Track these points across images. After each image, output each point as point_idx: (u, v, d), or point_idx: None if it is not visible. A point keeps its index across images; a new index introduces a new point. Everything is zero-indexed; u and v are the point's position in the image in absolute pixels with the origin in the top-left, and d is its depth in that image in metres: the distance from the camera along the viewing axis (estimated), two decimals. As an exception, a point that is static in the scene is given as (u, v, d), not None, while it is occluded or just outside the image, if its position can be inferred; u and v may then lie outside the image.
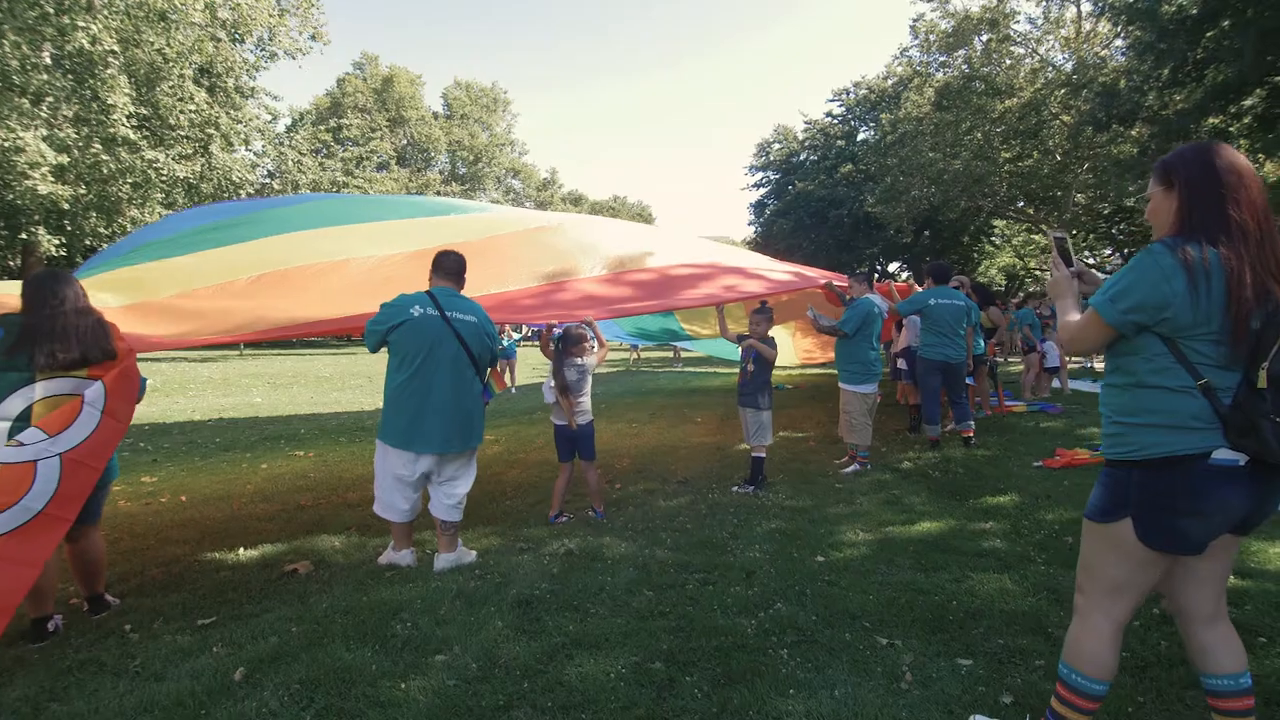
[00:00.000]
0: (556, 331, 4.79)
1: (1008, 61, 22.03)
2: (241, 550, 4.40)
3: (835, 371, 6.32)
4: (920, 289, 7.54)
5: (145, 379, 3.36)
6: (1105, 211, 23.10)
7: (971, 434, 6.64)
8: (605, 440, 8.09)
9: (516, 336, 15.58)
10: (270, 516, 5.28)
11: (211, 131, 22.34)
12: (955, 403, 6.75)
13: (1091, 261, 32.04)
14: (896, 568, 3.68)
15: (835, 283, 6.51)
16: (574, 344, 4.75)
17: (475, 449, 4.11)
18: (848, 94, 38.92)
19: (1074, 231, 24.13)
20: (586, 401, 4.85)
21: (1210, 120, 11.90)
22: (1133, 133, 14.28)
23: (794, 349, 10.97)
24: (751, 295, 6.20)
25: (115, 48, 18.42)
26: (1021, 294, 28.30)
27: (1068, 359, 12.46)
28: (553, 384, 4.75)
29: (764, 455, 5.58)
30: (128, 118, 19.32)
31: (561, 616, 3.17)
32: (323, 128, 42.07)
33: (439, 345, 3.75)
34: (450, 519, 4.01)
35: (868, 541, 4.15)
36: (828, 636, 2.90)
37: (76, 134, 18.74)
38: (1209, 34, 11.44)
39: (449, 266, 3.94)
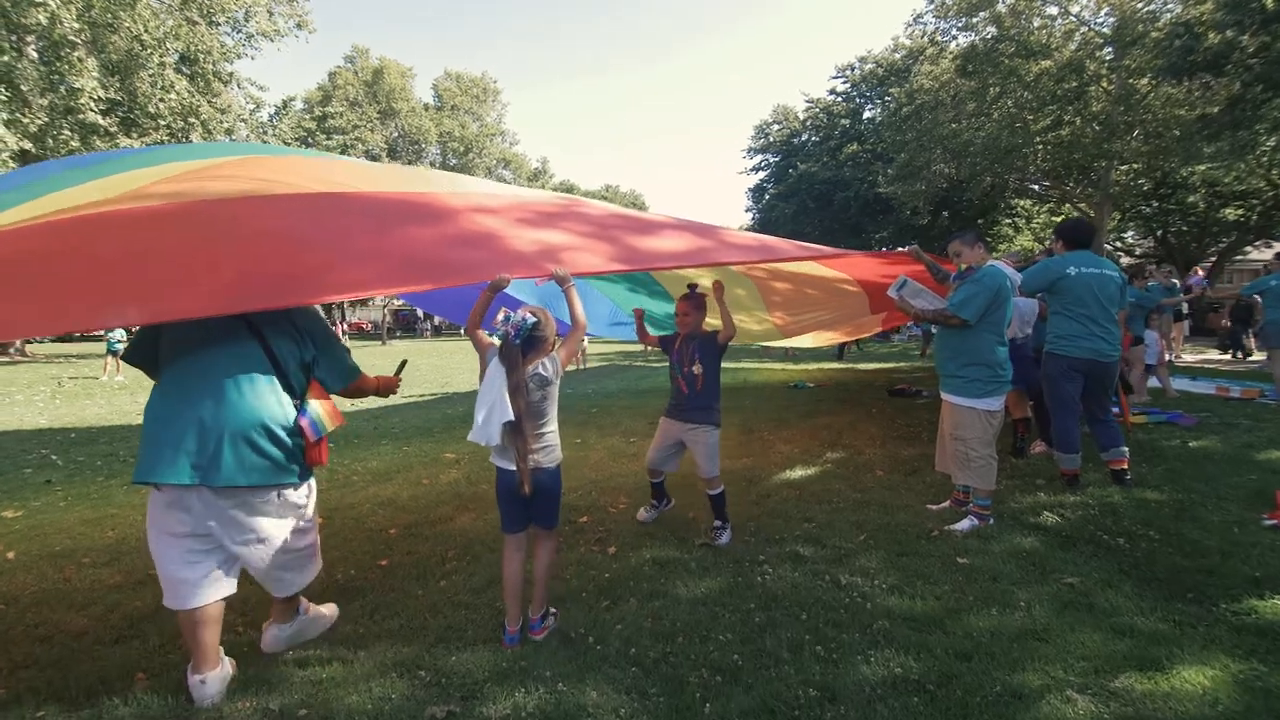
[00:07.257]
0: (523, 319, 2.63)
1: (1037, 21, 19.97)
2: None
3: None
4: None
5: None
6: (1145, 187, 21.00)
7: (1125, 465, 4.56)
8: (594, 463, 6.07)
9: None
10: (95, 597, 3.37)
11: (192, 120, 21.62)
12: (1098, 421, 4.65)
13: (1119, 246, 30.10)
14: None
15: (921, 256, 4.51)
16: (538, 344, 2.72)
17: (295, 492, 2.61)
18: (852, 70, 36.96)
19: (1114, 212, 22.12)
20: (554, 432, 2.81)
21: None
22: (1218, 84, 12.12)
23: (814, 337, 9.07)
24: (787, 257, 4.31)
25: (76, 24, 17.62)
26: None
27: (1167, 355, 10.44)
28: (509, 410, 2.57)
29: (723, 488, 3.91)
30: (96, 103, 18.55)
31: None
32: (308, 115, 40.60)
33: (216, 323, 2.42)
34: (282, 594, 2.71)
35: (1104, 717, 2.13)
36: None
37: (48, 120, 18.11)
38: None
39: None
